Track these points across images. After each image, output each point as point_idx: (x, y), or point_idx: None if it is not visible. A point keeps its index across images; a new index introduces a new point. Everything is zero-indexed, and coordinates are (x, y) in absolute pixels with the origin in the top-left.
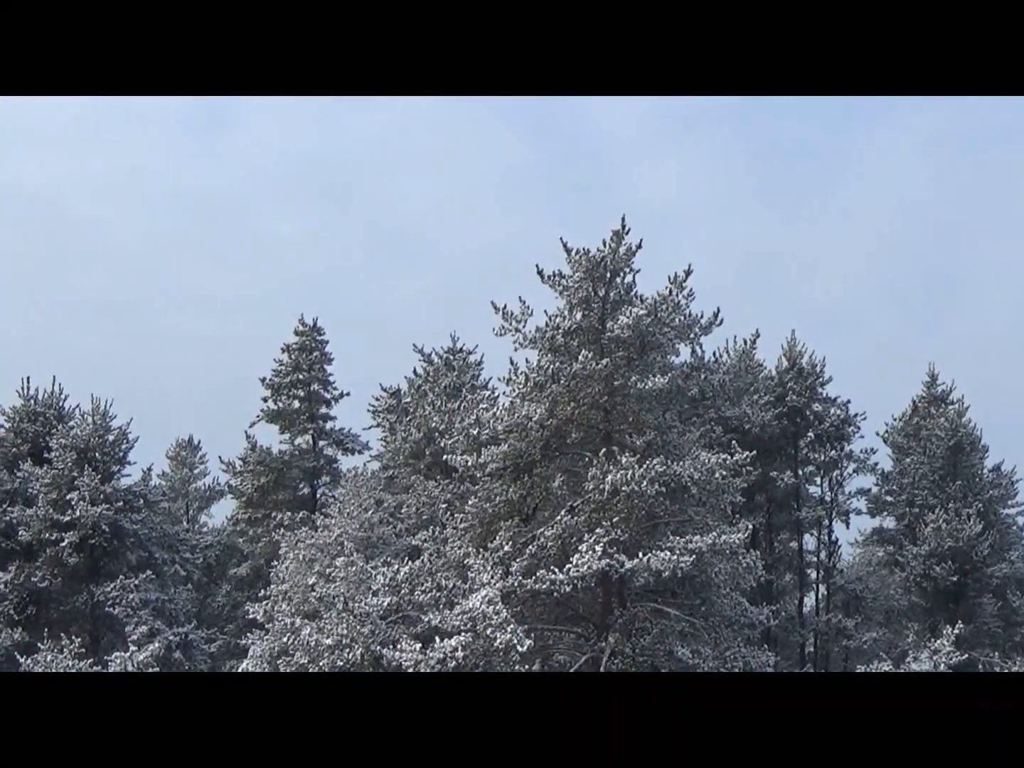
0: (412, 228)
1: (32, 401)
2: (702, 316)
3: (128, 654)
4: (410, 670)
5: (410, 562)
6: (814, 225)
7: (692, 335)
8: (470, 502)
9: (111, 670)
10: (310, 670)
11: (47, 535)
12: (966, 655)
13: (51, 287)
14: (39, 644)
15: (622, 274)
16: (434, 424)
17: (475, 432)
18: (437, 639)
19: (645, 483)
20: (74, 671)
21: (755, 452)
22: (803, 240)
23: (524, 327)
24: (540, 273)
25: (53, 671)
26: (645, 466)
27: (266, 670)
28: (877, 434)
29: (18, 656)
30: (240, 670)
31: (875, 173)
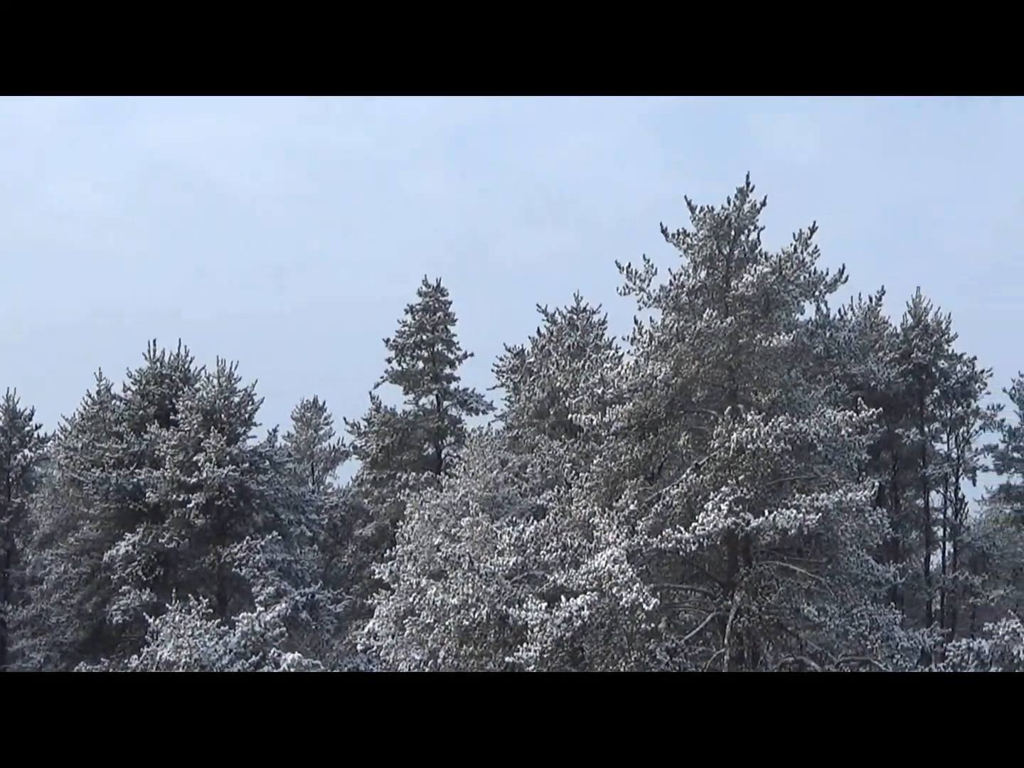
0: (537, 190)
1: (158, 364)
2: (827, 273)
3: (255, 614)
4: (535, 629)
5: (535, 521)
6: (947, 180)
7: (817, 292)
8: (595, 461)
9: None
10: (435, 630)
11: (174, 496)
12: None
13: (181, 251)
14: (167, 605)
15: (747, 232)
16: (558, 383)
17: (599, 391)
18: (563, 598)
19: (771, 441)
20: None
21: (881, 409)
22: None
23: (648, 286)
24: (664, 232)
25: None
26: (770, 424)
27: (392, 630)
28: (1004, 391)
29: (147, 617)
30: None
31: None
